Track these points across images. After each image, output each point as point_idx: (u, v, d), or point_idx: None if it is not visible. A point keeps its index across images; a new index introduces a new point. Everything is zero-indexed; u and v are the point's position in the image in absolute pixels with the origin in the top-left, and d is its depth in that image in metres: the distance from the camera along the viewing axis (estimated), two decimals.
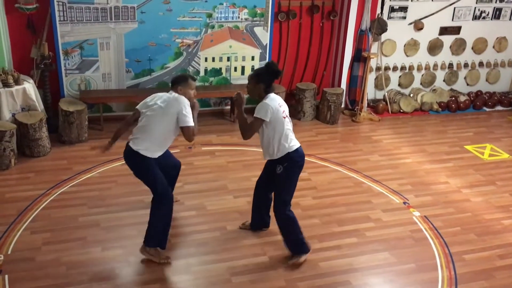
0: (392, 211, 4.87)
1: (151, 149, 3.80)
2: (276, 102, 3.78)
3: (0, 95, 5.31)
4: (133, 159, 3.85)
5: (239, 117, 3.87)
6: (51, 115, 5.97)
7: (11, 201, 4.62)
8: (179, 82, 3.91)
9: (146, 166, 3.84)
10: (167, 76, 6.56)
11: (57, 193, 4.82)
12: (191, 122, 3.80)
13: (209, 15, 6.44)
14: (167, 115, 3.78)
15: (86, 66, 6.21)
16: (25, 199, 4.67)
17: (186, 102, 3.82)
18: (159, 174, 3.88)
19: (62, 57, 6.05)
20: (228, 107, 7.00)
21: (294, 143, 3.86)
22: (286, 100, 6.99)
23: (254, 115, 3.76)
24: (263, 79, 3.80)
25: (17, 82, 5.47)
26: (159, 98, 3.89)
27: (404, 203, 5.04)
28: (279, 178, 3.89)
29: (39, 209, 4.54)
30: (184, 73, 4.10)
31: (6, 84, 5.38)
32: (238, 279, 3.83)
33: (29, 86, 5.57)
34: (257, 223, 4.38)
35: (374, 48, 7.25)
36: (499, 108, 7.89)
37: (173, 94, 3.87)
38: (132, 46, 6.30)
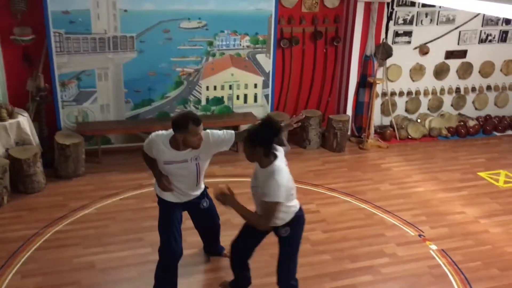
0: (408, 245, 4.58)
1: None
2: (285, 177, 3.11)
3: None
4: None
5: (242, 214, 3.17)
6: (47, 149, 5.73)
7: (1, 242, 4.34)
8: (177, 129, 3.30)
9: (159, 206, 3.66)
10: (168, 106, 6.37)
11: (51, 232, 4.54)
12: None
13: (210, 43, 6.29)
14: None
15: (83, 97, 6.02)
16: (17, 239, 4.39)
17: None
18: (165, 223, 3.55)
19: (58, 88, 5.86)
20: None
21: (296, 202, 3.32)
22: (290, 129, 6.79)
23: (266, 200, 3.05)
24: (260, 141, 3.06)
25: (11, 115, 5.27)
26: None
27: (420, 235, 4.75)
28: (287, 242, 3.32)
29: (31, 250, 4.26)
30: (186, 114, 3.42)
31: None
32: None
33: (24, 120, 5.37)
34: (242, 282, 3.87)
35: (380, 73, 7.07)
36: (509, 132, 7.65)
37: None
38: (131, 76, 6.12)
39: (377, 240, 4.65)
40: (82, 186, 5.43)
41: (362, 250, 4.48)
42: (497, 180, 5.99)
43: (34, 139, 5.47)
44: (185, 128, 3.25)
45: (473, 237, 4.74)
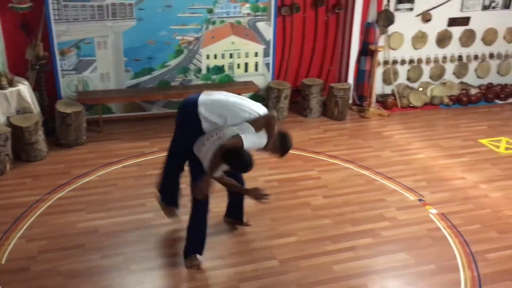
0: (408, 209, 4.62)
1: None
2: None
3: None
4: None
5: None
6: (48, 118, 5.74)
7: (5, 208, 4.39)
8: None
9: None
10: (168, 74, 6.34)
11: (54, 199, 4.59)
12: None
13: (210, 11, 6.21)
14: None
15: (83, 66, 5.99)
16: (21, 205, 4.44)
17: None
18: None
19: (58, 57, 5.83)
20: None
21: None
22: (291, 97, 6.79)
23: None
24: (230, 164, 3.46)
25: (11, 84, 5.25)
26: None
27: (420, 200, 4.79)
28: None
29: (35, 215, 4.31)
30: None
31: None
32: (247, 285, 3.59)
33: (24, 88, 5.35)
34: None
35: (381, 41, 7.00)
36: (511, 100, 7.62)
37: None
38: (130, 45, 6.07)
39: (377, 205, 4.69)
40: (84, 154, 5.46)
41: (362, 214, 4.52)
42: (497, 147, 6.00)
43: (35, 107, 5.47)
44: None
45: (473, 202, 4.78)
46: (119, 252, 3.88)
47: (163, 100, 6.39)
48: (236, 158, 3.38)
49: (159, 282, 3.60)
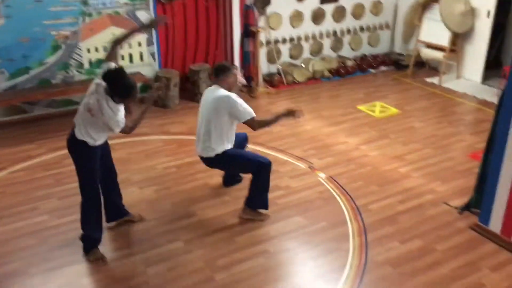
0: (299, 177, 4.96)
1: None
2: None
3: None
4: None
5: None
6: None
7: None
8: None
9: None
10: (48, 72, 6.06)
11: None
12: None
13: (85, 3, 6.02)
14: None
15: None
16: None
17: None
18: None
19: None
20: None
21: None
22: (181, 84, 6.84)
23: None
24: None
25: None
26: None
27: (310, 167, 5.16)
28: None
29: None
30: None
31: None
32: (154, 268, 3.65)
33: None
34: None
35: (262, 22, 7.29)
36: (383, 68, 8.39)
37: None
38: (1, 44, 5.70)
39: (272, 176, 4.93)
40: None
41: None
42: (373, 111, 6.61)
43: None
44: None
45: (355, 162, 5.26)
46: (15, 258, 3.72)
47: (45, 100, 6.10)
48: (118, 78, 3.40)
49: (62, 281, 3.52)
